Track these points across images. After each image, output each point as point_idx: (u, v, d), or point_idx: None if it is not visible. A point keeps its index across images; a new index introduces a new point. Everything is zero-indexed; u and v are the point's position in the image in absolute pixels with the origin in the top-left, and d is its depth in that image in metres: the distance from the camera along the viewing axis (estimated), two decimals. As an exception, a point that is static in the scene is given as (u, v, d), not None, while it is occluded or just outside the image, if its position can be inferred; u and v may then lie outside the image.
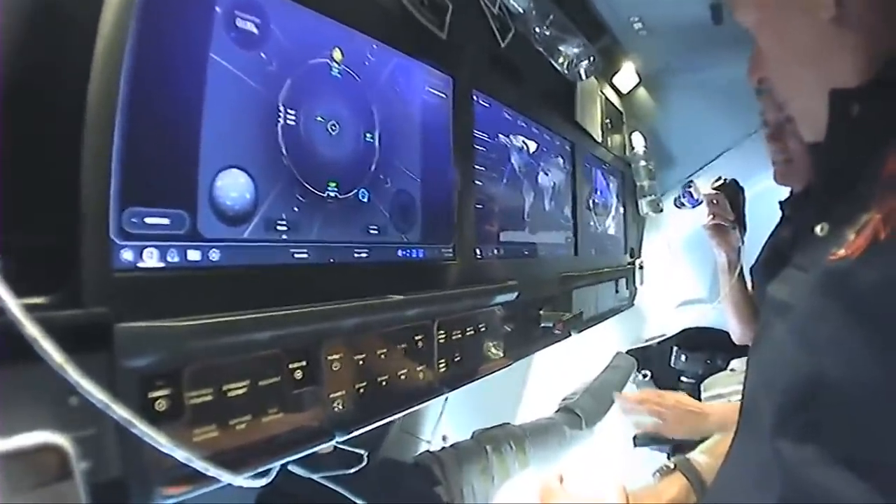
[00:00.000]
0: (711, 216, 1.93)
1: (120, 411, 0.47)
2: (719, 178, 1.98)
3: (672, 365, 2.58)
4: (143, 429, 0.49)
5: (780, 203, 1.78)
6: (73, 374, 0.46)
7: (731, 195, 1.93)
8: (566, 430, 2.05)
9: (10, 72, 0.50)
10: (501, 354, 1.26)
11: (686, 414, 1.30)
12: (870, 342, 0.56)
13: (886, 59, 0.66)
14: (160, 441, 0.50)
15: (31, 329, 0.45)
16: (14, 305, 0.45)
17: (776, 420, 0.64)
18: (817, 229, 0.70)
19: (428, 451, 1.77)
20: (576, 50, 1.59)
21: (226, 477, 0.57)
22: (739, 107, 2.11)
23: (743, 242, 1.92)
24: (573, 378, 2.58)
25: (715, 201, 1.93)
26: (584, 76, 1.70)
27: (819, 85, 0.71)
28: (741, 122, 2.31)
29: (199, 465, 0.53)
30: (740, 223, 1.94)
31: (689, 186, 2.42)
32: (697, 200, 2.40)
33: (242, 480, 0.59)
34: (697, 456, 1.04)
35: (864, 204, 0.61)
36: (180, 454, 0.52)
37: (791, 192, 1.76)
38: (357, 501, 1.10)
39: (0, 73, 0.49)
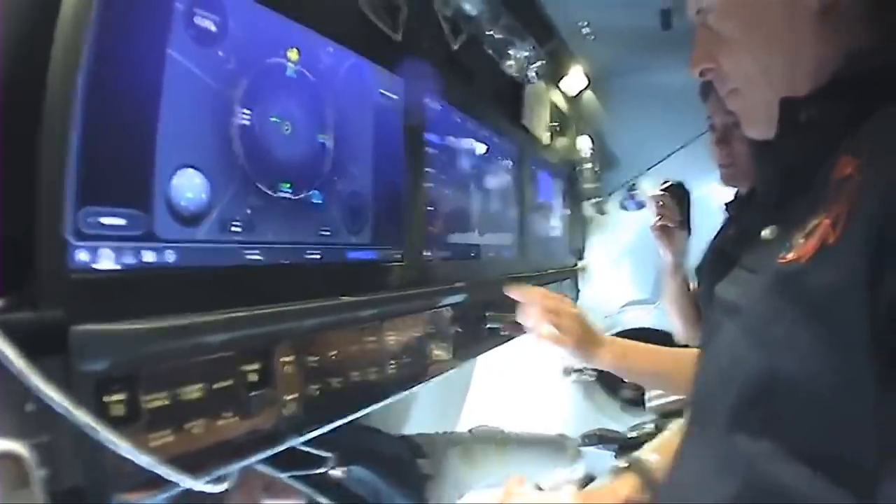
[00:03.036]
0: (658, 217, 1.98)
1: (81, 417, 0.47)
2: (666, 181, 2.02)
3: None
4: (105, 434, 0.48)
5: (726, 205, 1.83)
6: (34, 378, 0.45)
7: (677, 197, 1.98)
8: (551, 449, 2.16)
9: None
10: (450, 355, 1.28)
11: (584, 333, 1.26)
12: (822, 342, 0.58)
13: (844, 63, 0.69)
14: (122, 446, 0.49)
15: None
16: None
17: (732, 416, 0.66)
18: (765, 233, 0.73)
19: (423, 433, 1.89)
20: (526, 53, 1.61)
21: (187, 482, 0.56)
22: (683, 111, 2.13)
23: (689, 244, 1.97)
24: (516, 384, 2.63)
25: (661, 203, 1.97)
26: (532, 80, 1.71)
27: (782, 78, 0.73)
28: (685, 126, 2.36)
29: (161, 470, 0.53)
30: (686, 224, 1.98)
31: (634, 189, 2.48)
32: (641, 203, 2.46)
33: (203, 485, 0.58)
34: (648, 455, 1.06)
35: (811, 208, 0.64)
36: (143, 459, 0.51)
37: (735, 194, 1.82)
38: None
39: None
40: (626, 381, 2.61)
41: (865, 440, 0.56)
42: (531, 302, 1.27)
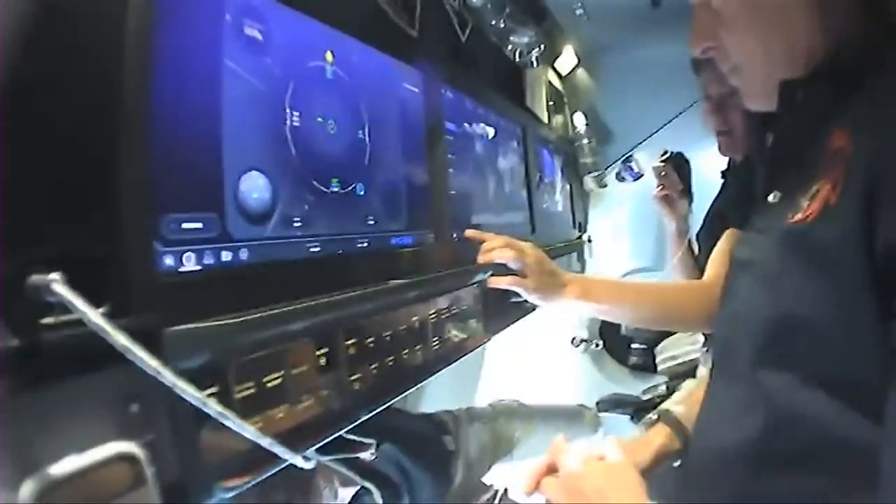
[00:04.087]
0: (660, 187, 2.03)
1: (214, 406, 0.51)
2: (666, 152, 2.07)
3: (623, 332, 2.67)
4: (236, 421, 0.52)
5: (722, 172, 1.89)
6: (170, 375, 0.49)
7: (677, 167, 2.03)
8: (572, 418, 2.22)
9: (47, 106, 0.50)
10: (482, 329, 1.34)
11: (546, 272, 1.26)
12: (829, 288, 0.67)
13: (835, 46, 0.76)
14: (249, 430, 0.54)
15: (120, 338, 0.47)
16: (97, 316, 0.46)
17: (755, 355, 0.76)
18: (770, 197, 0.82)
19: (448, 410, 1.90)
20: (526, 40, 1.65)
21: (291, 457, 0.61)
22: (673, 84, 2.19)
23: (691, 211, 2.03)
24: (526, 358, 2.68)
25: (663, 173, 2.02)
26: (535, 64, 1.76)
27: (779, 56, 0.80)
28: (675, 98, 2.40)
29: (278, 449, 0.57)
30: (687, 193, 2.04)
31: (630, 161, 2.53)
32: (638, 174, 2.51)
33: (301, 461, 0.63)
34: (674, 407, 1.13)
35: (812, 175, 0.72)
36: (265, 441, 0.56)
37: (730, 162, 1.88)
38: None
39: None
40: (632, 346, 2.70)
41: (871, 367, 0.64)
42: (493, 242, 1.29)
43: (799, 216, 0.71)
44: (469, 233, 1.31)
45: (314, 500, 1.24)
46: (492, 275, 1.27)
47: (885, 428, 0.62)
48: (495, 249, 1.26)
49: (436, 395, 2.18)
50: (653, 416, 1.14)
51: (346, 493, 1.32)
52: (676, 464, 1.06)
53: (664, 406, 1.18)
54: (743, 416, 0.76)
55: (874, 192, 0.62)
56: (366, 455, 1.31)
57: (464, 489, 1.76)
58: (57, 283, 0.46)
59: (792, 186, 0.76)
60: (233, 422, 0.53)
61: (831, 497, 0.68)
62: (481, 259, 1.26)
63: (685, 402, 1.16)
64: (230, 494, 0.63)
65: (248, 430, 0.54)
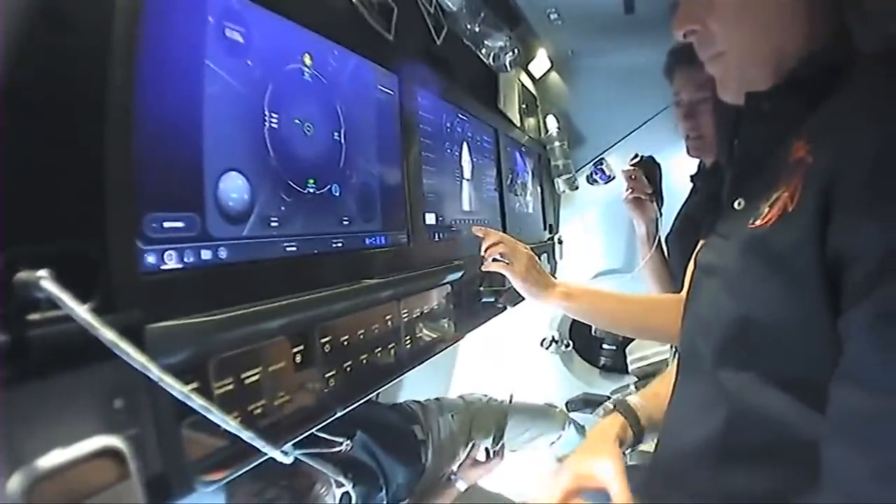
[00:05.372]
0: (630, 190, 2.06)
1: (198, 400, 0.53)
2: (636, 155, 2.10)
3: (593, 333, 2.70)
4: (219, 415, 0.54)
5: (691, 176, 1.93)
6: (156, 370, 0.50)
7: (647, 170, 2.05)
8: (541, 415, 2.25)
9: (32, 106, 0.51)
10: (454, 328, 1.36)
11: (533, 271, 1.35)
12: (785, 289, 0.71)
13: (807, 56, 0.79)
14: (233, 426, 0.56)
15: (107, 333, 0.48)
16: (85, 312, 0.48)
17: (717, 355, 0.80)
18: (735, 204, 0.85)
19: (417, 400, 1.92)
20: (500, 44, 1.68)
21: (270, 451, 0.62)
22: (644, 89, 2.23)
23: (661, 214, 2.06)
24: (497, 357, 2.71)
25: (633, 176, 2.04)
26: (508, 68, 1.78)
27: (761, 50, 0.81)
28: (646, 103, 2.44)
29: (260, 444, 0.59)
30: (657, 196, 2.07)
31: (601, 164, 2.56)
32: (609, 177, 2.54)
33: (280, 455, 0.65)
34: (631, 398, 1.17)
35: (772, 182, 0.76)
36: (246, 435, 0.57)
37: (699, 166, 1.92)
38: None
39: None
40: (603, 347, 2.74)
41: (826, 367, 0.67)
42: (491, 238, 1.38)
43: (759, 222, 0.75)
44: (475, 229, 1.42)
45: None
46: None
47: (827, 421, 0.66)
48: (492, 247, 1.36)
49: (410, 386, 2.20)
50: (609, 404, 1.18)
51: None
52: (629, 451, 1.10)
53: (625, 397, 1.21)
54: (706, 414, 0.81)
55: (829, 201, 0.66)
56: (341, 448, 1.33)
57: (434, 475, 1.80)
58: (45, 280, 0.47)
59: (754, 193, 0.80)
60: (216, 415, 0.54)
61: (790, 490, 0.72)
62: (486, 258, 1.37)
63: (642, 393, 1.20)
64: (211, 488, 0.64)
65: (230, 424, 0.55)
